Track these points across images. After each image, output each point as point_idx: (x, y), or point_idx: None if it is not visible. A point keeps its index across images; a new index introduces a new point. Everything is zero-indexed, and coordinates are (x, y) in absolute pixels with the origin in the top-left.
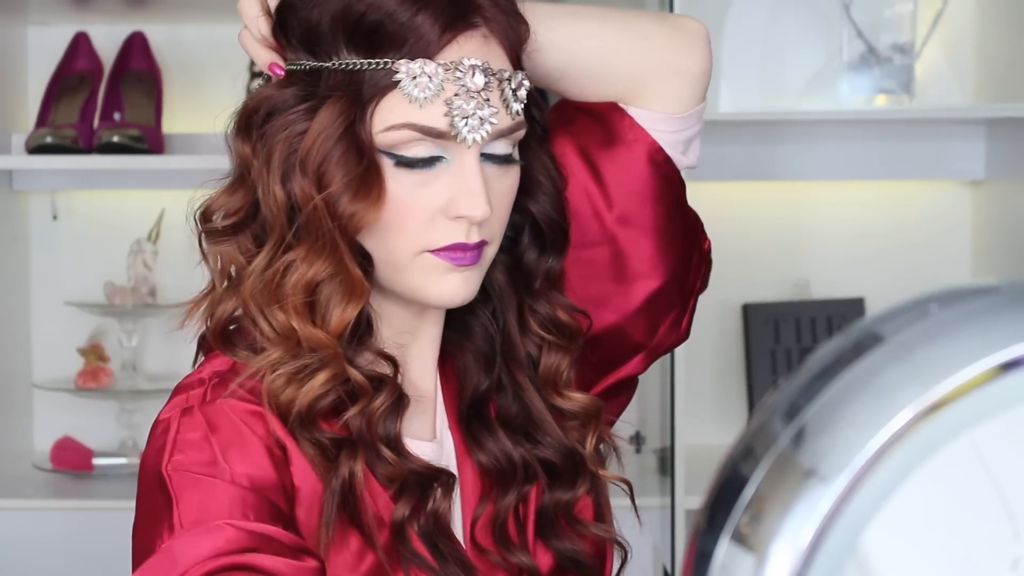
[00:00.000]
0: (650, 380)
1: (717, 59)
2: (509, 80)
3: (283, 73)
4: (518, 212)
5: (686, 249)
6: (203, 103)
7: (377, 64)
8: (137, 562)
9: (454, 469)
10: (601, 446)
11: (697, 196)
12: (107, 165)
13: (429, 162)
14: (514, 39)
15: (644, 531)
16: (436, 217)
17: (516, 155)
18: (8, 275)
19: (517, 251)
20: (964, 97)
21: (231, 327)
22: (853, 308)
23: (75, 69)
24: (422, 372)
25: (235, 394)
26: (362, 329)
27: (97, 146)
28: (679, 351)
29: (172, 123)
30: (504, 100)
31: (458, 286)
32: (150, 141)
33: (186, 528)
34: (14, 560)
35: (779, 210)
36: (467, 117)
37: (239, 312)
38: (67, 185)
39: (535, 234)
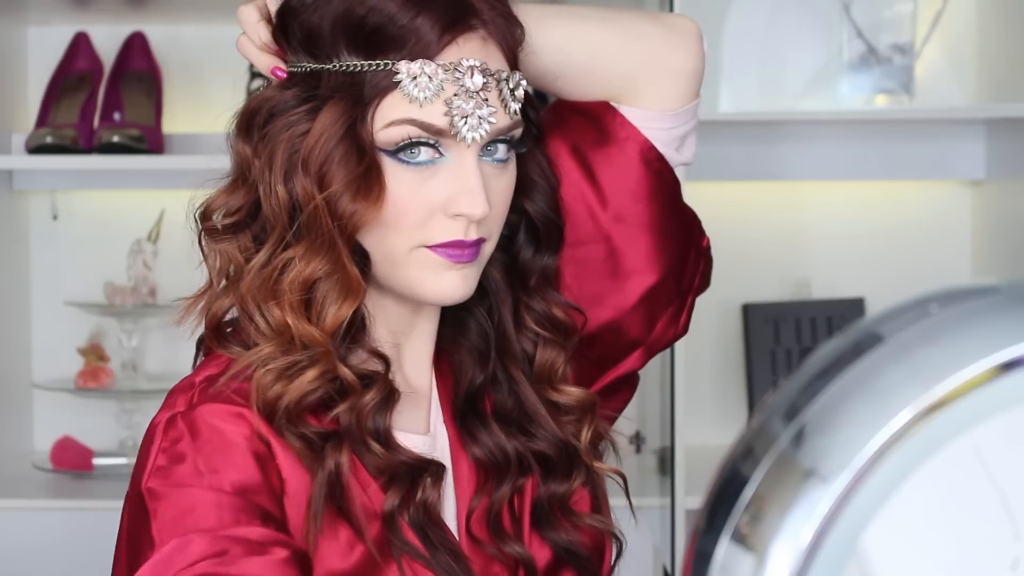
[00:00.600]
0: (650, 380)
1: (717, 59)
2: (507, 80)
3: (285, 76)
4: (514, 211)
5: (682, 245)
6: (203, 103)
7: (378, 65)
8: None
9: (447, 462)
10: (600, 443)
11: (697, 196)
12: (107, 165)
13: (429, 160)
14: (511, 40)
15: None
16: (435, 214)
17: (513, 154)
18: (8, 275)
19: (513, 249)
20: (964, 97)
21: (228, 328)
22: (853, 308)
23: (75, 69)
24: (417, 368)
25: (221, 396)
26: (356, 327)
27: (97, 146)
28: (679, 351)
29: (172, 123)
30: (502, 100)
31: (455, 283)
32: (150, 141)
33: (162, 541)
34: (14, 560)
35: (779, 210)
36: (466, 116)
37: (235, 309)
38: (67, 185)
39: (530, 232)
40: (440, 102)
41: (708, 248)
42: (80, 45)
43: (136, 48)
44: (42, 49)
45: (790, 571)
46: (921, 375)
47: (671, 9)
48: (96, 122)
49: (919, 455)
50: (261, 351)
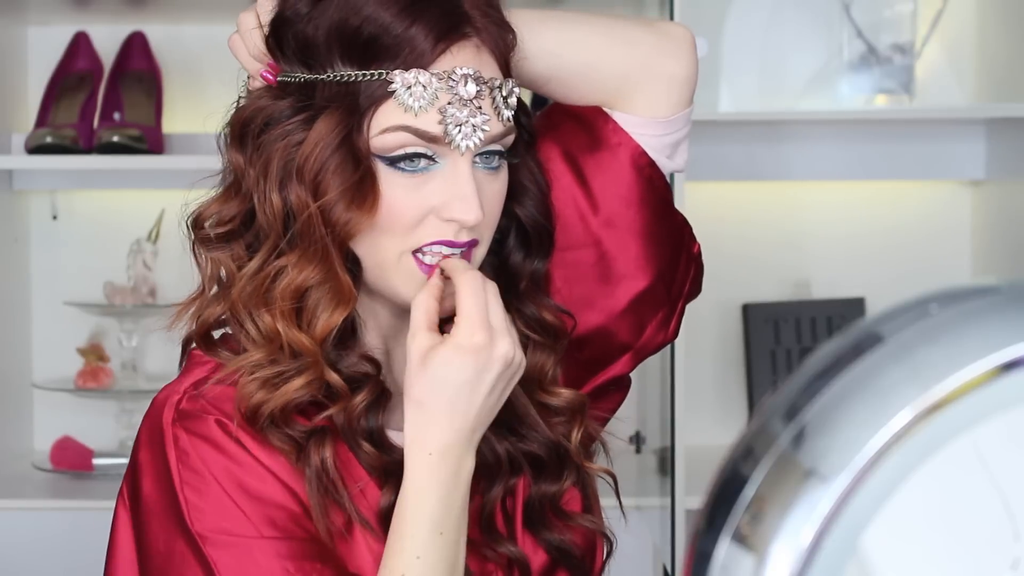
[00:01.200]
0: (650, 380)
1: (717, 59)
2: (500, 88)
3: (274, 79)
4: (505, 216)
5: (672, 251)
6: (203, 103)
7: (372, 75)
8: None
9: None
10: (592, 444)
11: (697, 196)
12: (107, 165)
13: (423, 167)
14: (504, 48)
15: (639, 530)
16: (427, 217)
17: (505, 160)
18: (8, 275)
19: (503, 253)
20: (964, 97)
21: (219, 334)
22: (853, 308)
23: (75, 69)
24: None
25: (207, 410)
26: (347, 333)
27: (97, 146)
28: (679, 351)
29: (172, 123)
30: (495, 107)
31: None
32: (150, 141)
33: None
34: (14, 560)
35: (779, 210)
36: (460, 124)
37: (226, 316)
38: (67, 185)
39: (521, 237)
40: (434, 110)
41: (699, 254)
42: (80, 45)
43: (136, 48)
44: (42, 49)
45: (790, 571)
46: (921, 375)
47: (671, 10)
48: (96, 122)
49: (919, 455)
50: (250, 357)
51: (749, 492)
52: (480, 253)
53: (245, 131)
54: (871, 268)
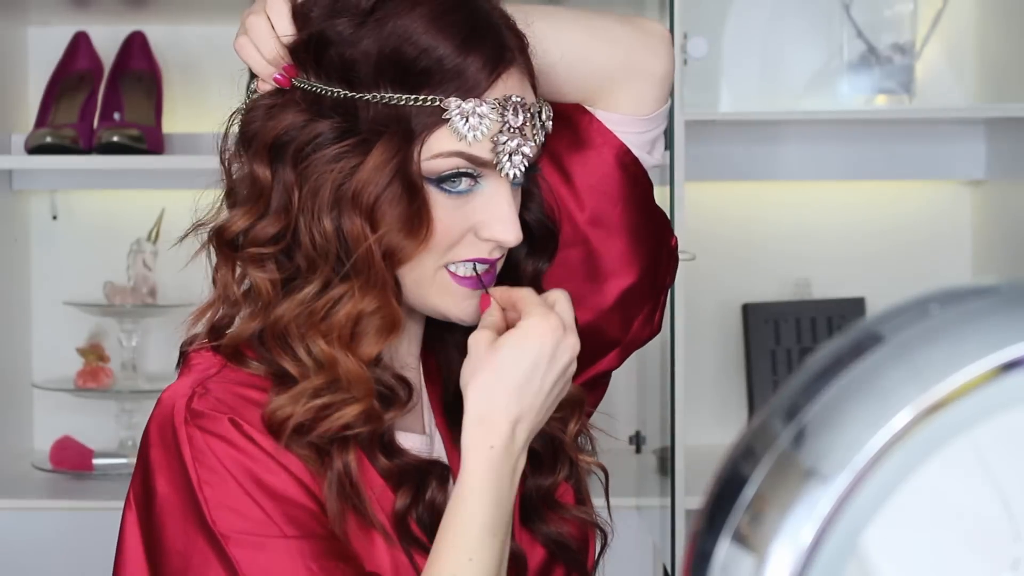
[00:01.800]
0: (650, 380)
1: (717, 59)
2: (540, 112)
3: (287, 83)
4: None
5: (655, 246)
6: (203, 103)
7: (424, 100)
8: None
9: (446, 461)
10: (581, 439)
11: (698, 196)
12: (107, 165)
13: (467, 188)
14: (532, 68)
15: (639, 530)
16: (466, 235)
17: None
18: (8, 275)
19: (511, 254)
20: (964, 97)
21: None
22: (853, 308)
23: (75, 69)
24: (406, 369)
25: (219, 409)
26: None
27: (97, 146)
28: (679, 351)
29: (172, 123)
30: (535, 131)
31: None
32: (150, 141)
33: None
34: (14, 560)
35: (779, 210)
36: (511, 153)
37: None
38: (67, 185)
39: (527, 239)
40: (487, 139)
41: (676, 247)
42: (80, 45)
43: (136, 48)
44: (42, 49)
45: (790, 571)
46: (921, 375)
47: (671, 10)
48: (96, 122)
49: (919, 455)
50: (313, 381)
51: (749, 492)
52: (503, 259)
53: (280, 148)
54: (871, 268)
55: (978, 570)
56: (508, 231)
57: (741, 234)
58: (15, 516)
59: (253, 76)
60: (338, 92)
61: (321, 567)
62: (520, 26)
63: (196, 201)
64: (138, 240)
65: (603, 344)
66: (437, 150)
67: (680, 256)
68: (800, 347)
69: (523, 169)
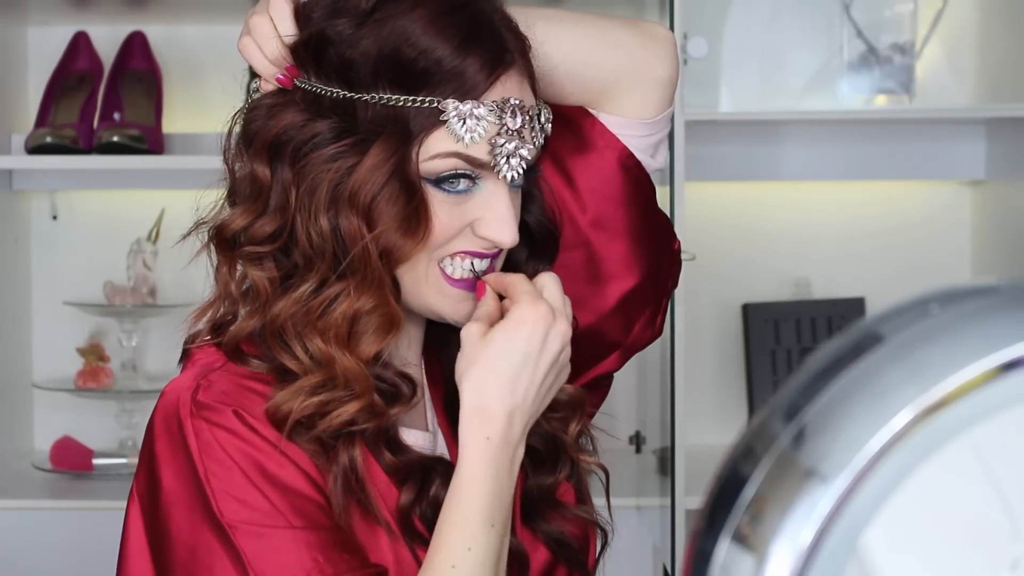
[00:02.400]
0: (650, 380)
1: (717, 59)
2: (539, 115)
3: (289, 83)
4: None
5: (657, 249)
6: (203, 103)
7: (422, 101)
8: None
9: (448, 457)
10: (582, 439)
11: (698, 196)
12: (107, 165)
13: (465, 188)
14: (532, 70)
15: (639, 529)
16: (463, 231)
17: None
18: (8, 275)
19: (509, 255)
20: (964, 97)
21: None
22: (853, 308)
23: (75, 69)
24: (406, 366)
25: (224, 401)
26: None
27: (97, 146)
28: (679, 351)
29: (172, 123)
30: (533, 135)
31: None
32: (150, 141)
33: None
34: (14, 560)
35: (779, 210)
36: (508, 156)
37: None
38: (67, 185)
39: (527, 241)
40: (484, 141)
41: (679, 251)
42: (80, 45)
43: (136, 48)
44: (42, 49)
45: (790, 571)
46: (921, 375)
47: (671, 10)
48: (96, 122)
49: (919, 455)
50: (311, 379)
51: (749, 492)
52: (501, 259)
53: (279, 147)
54: (871, 268)
55: (978, 570)
56: (504, 231)
57: (741, 234)
58: (15, 516)
59: (256, 76)
60: (337, 92)
61: (327, 558)
62: (522, 28)
63: (198, 200)
64: (138, 240)
65: (604, 346)
66: (435, 151)
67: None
68: (800, 347)
69: (521, 171)
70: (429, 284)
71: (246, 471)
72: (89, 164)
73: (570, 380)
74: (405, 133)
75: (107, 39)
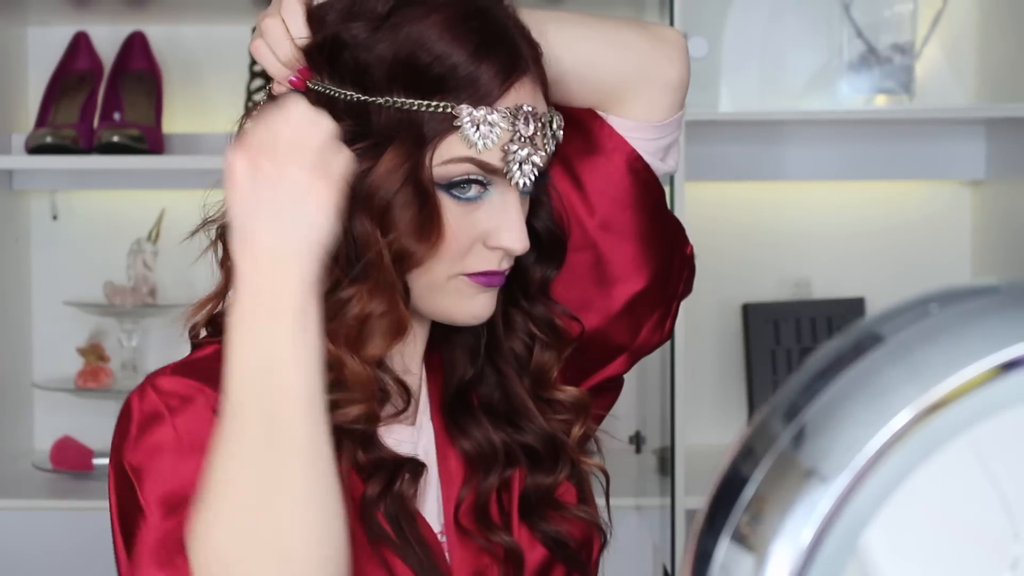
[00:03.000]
0: (650, 380)
1: (717, 59)
2: (551, 122)
3: (302, 85)
4: None
5: (667, 253)
6: (203, 103)
7: (436, 107)
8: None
9: (432, 456)
10: (587, 442)
11: (698, 196)
12: (107, 165)
13: (476, 195)
14: (545, 78)
15: (639, 530)
16: (475, 244)
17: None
18: (8, 275)
19: (518, 260)
20: (964, 97)
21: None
22: (853, 308)
23: (75, 69)
24: (408, 367)
25: (184, 370)
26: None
27: (97, 146)
28: (679, 351)
29: (172, 123)
30: (545, 141)
31: (485, 305)
32: (150, 141)
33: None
34: (14, 560)
35: (779, 210)
36: (521, 162)
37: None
38: (67, 185)
39: (535, 245)
40: (497, 147)
41: (692, 256)
42: (80, 45)
43: (136, 48)
44: (42, 49)
45: (790, 571)
46: (921, 375)
47: (671, 10)
48: (96, 122)
49: (919, 455)
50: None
51: (749, 492)
52: (510, 268)
53: None
54: (871, 268)
55: (978, 570)
56: (516, 240)
57: (741, 234)
58: (15, 516)
59: (254, 76)
60: (351, 96)
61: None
62: (533, 34)
63: (205, 197)
64: (138, 240)
65: (611, 349)
66: (448, 156)
67: None
68: (800, 347)
69: (533, 178)
70: (448, 291)
71: (174, 429)
72: (89, 164)
73: (576, 383)
74: (419, 138)
75: (107, 39)
